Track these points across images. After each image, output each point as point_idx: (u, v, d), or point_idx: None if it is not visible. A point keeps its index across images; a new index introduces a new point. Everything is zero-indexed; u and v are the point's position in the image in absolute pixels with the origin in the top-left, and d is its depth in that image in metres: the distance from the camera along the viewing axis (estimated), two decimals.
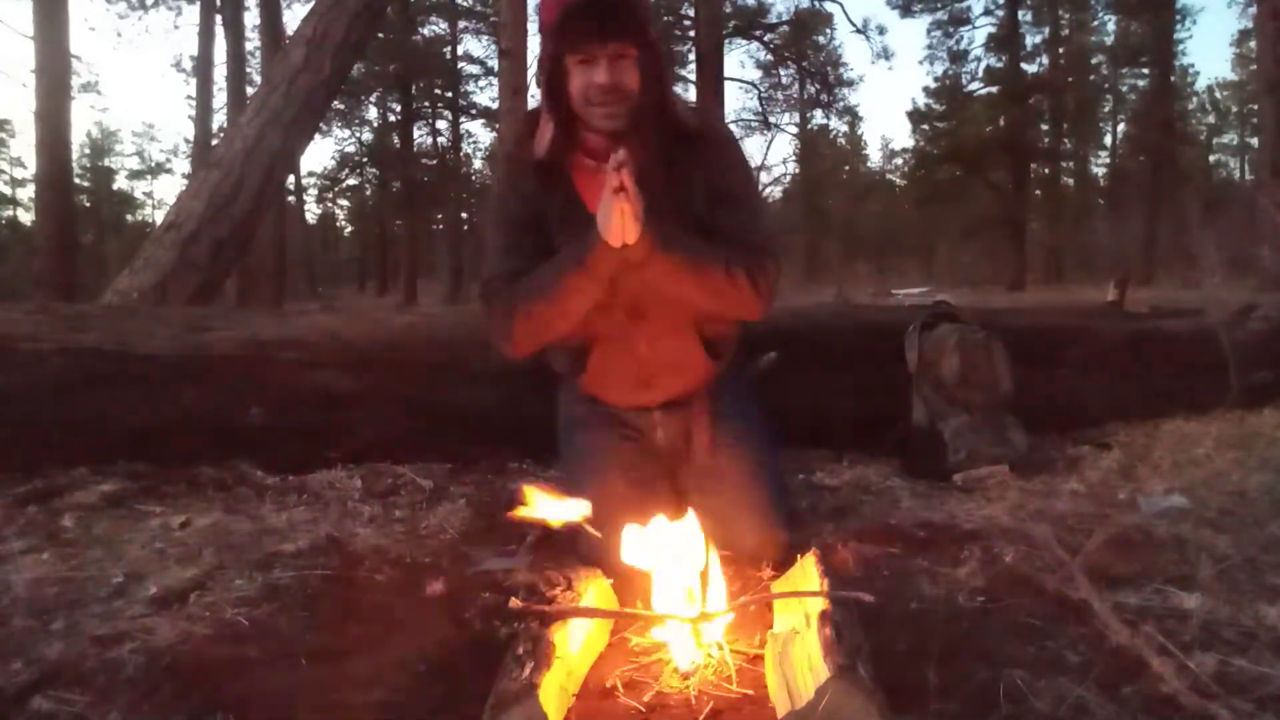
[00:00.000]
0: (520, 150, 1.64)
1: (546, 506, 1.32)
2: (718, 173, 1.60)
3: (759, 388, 1.96)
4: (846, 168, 37.22)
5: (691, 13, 14.47)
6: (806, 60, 23.37)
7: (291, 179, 18.74)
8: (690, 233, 1.54)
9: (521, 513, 1.31)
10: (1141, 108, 24.49)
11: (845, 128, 32.63)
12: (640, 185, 1.38)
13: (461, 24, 23.48)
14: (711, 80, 15.38)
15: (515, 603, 1.26)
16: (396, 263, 28.52)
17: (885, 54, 22.55)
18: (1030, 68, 23.70)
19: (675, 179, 1.56)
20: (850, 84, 24.26)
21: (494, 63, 18.87)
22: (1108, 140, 30.32)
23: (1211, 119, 31.12)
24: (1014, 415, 2.45)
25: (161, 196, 37.11)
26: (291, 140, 4.82)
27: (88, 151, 33.08)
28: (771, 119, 25.84)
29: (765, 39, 22.50)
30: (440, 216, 28.01)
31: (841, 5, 26.35)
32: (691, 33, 14.24)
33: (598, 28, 1.45)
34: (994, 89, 23.43)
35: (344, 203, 35.17)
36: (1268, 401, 2.77)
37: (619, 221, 1.35)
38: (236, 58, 15.77)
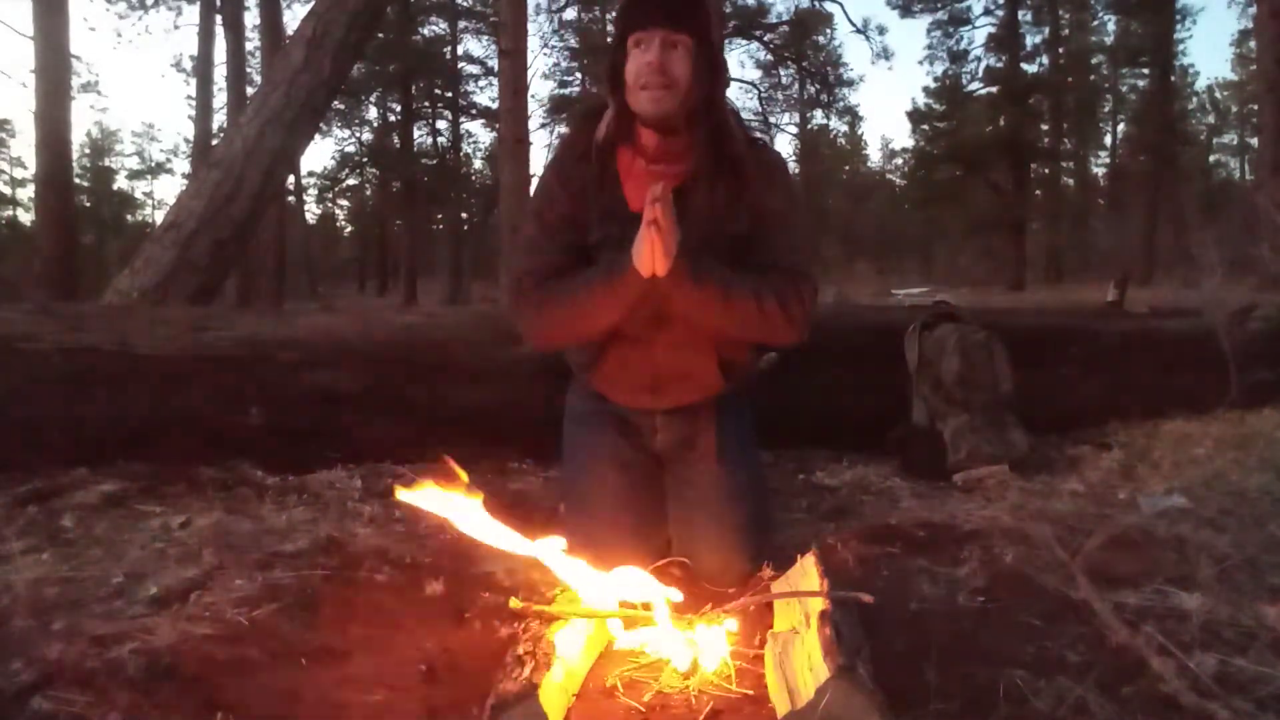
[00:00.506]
0: (578, 137, 1.64)
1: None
2: (763, 195, 1.60)
3: (758, 390, 1.96)
4: (846, 168, 37.23)
5: None
6: (806, 60, 23.37)
7: (291, 179, 18.72)
8: (728, 249, 1.54)
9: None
10: (1141, 108, 24.48)
11: (845, 128, 32.68)
12: (684, 195, 1.43)
13: (461, 24, 23.47)
14: None
15: (515, 603, 1.26)
16: (396, 263, 28.50)
17: (885, 54, 22.51)
18: (1030, 68, 23.72)
19: (720, 193, 1.56)
20: (850, 84, 24.27)
21: (494, 63, 18.86)
22: (1108, 140, 30.37)
23: (1211, 119, 31.15)
24: (1014, 415, 2.45)
25: (161, 196, 37.06)
26: (291, 140, 4.81)
27: (88, 151, 33.05)
28: (771, 119, 25.86)
29: (765, 39, 22.51)
30: (440, 216, 27.97)
31: (841, 5, 26.35)
32: None
33: (656, 10, 1.48)
34: (994, 89, 23.42)
35: (344, 203, 35.16)
36: (1268, 401, 2.77)
37: (649, 254, 1.37)
38: (236, 58, 15.76)
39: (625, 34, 1.52)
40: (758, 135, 1.70)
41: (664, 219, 1.34)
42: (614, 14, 1.66)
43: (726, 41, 19.08)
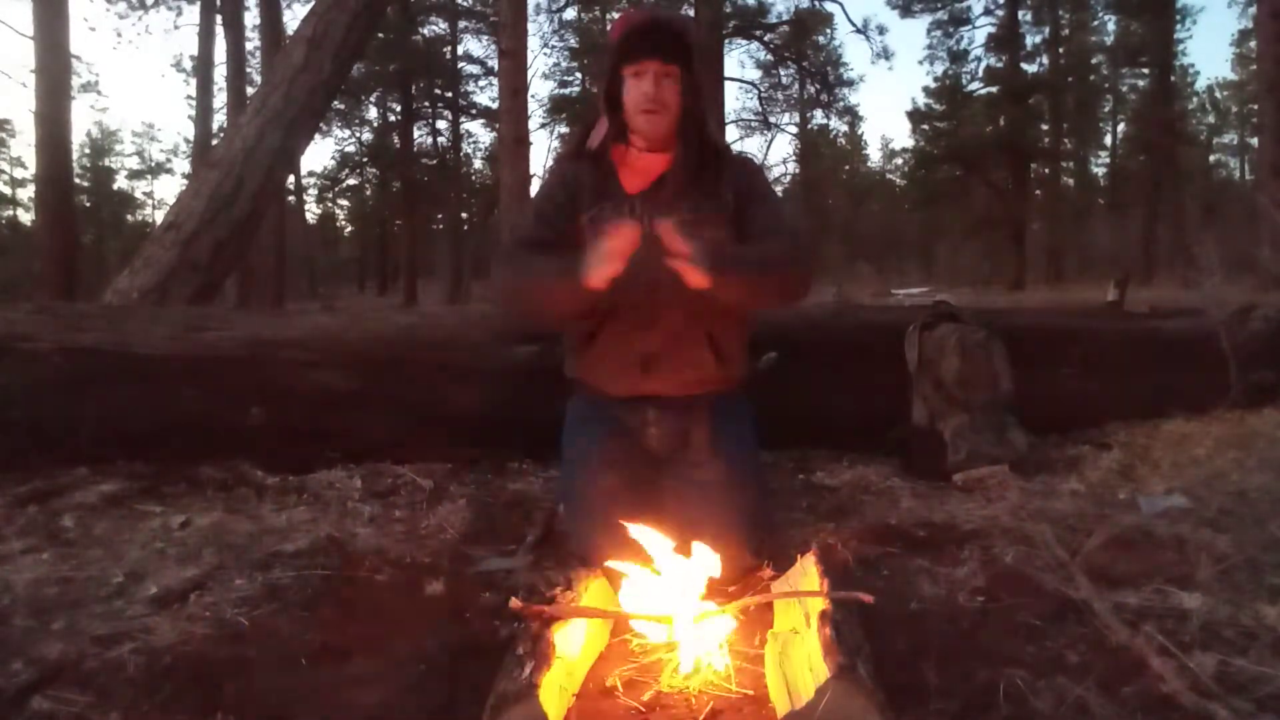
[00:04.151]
0: (574, 143, 1.90)
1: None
2: (743, 179, 1.83)
3: (758, 390, 1.96)
4: (846, 168, 37.22)
5: (691, 13, 14.47)
6: (806, 60, 23.34)
7: (291, 179, 18.69)
8: (713, 220, 1.73)
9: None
10: (1141, 108, 24.47)
11: (845, 128, 32.56)
12: (679, 184, 1.73)
13: (461, 24, 23.43)
14: (712, 80, 15.38)
15: (515, 603, 1.26)
16: (396, 263, 28.48)
17: (885, 54, 22.29)
18: (1030, 68, 23.69)
19: (707, 181, 1.78)
20: (850, 84, 24.11)
21: (494, 63, 18.84)
22: (1108, 140, 30.34)
23: (1211, 119, 31.14)
24: (1014, 415, 2.45)
25: (161, 196, 37.01)
26: (291, 140, 4.81)
27: (88, 151, 33.02)
28: (771, 119, 25.81)
29: (765, 39, 22.47)
30: (440, 216, 27.94)
31: (841, 5, 26.35)
32: None
33: (651, 47, 1.72)
34: (994, 89, 23.41)
35: (344, 203, 35.07)
36: (1268, 401, 2.76)
37: (683, 273, 1.48)
38: (236, 58, 15.72)
39: (620, 64, 1.74)
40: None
41: (677, 242, 1.46)
42: (609, 29, 1.91)
43: (726, 41, 19.09)
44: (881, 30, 35.10)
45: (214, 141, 14.50)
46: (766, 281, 1.64)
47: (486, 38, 22.69)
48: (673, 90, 1.73)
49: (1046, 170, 25.69)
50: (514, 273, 1.73)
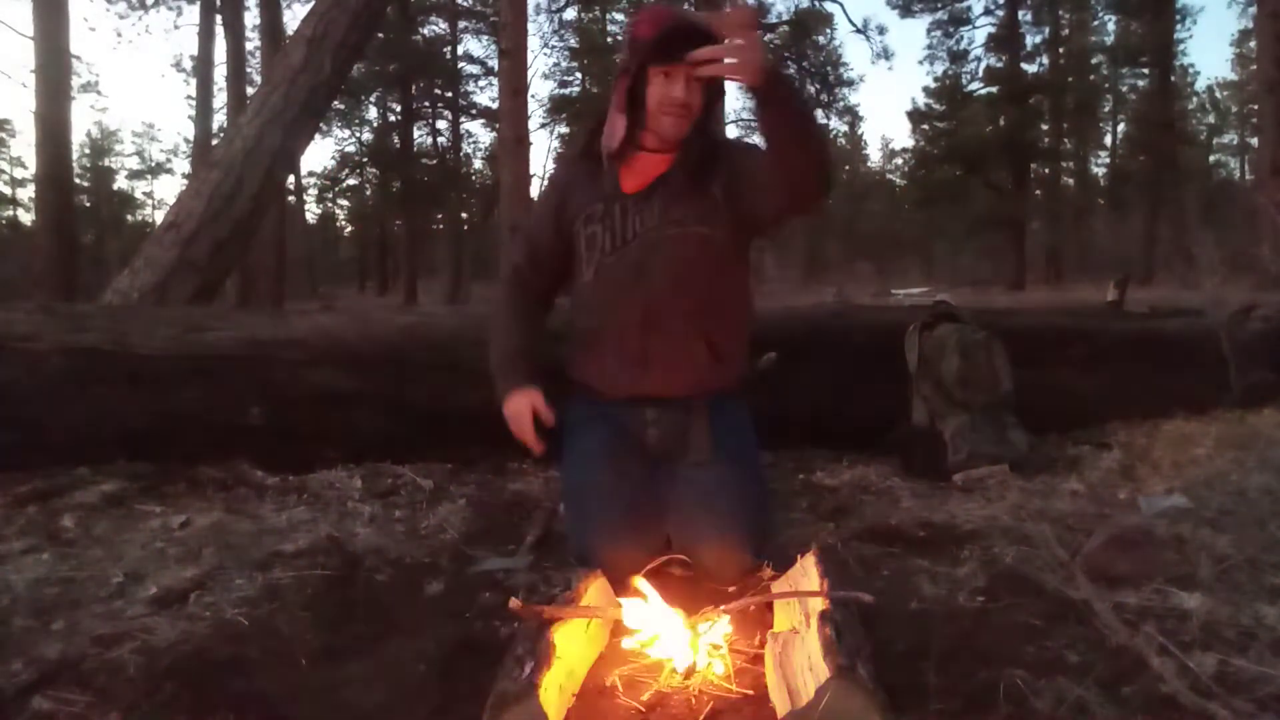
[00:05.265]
0: (586, 139, 1.91)
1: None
2: (735, 155, 1.82)
3: (757, 389, 1.96)
4: (846, 168, 37.23)
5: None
6: (806, 60, 23.33)
7: (291, 179, 18.69)
8: (713, 212, 1.76)
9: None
10: (1141, 108, 24.48)
11: (845, 128, 32.58)
12: (678, 187, 1.76)
13: (461, 24, 23.45)
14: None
15: (515, 603, 1.26)
16: (396, 263, 28.49)
17: (885, 54, 22.27)
18: (1030, 68, 23.69)
19: (703, 182, 1.78)
20: (850, 84, 24.09)
21: (494, 63, 18.86)
22: (1108, 140, 30.38)
23: (1211, 119, 31.14)
24: (1014, 415, 2.45)
25: (161, 196, 37.11)
26: (291, 140, 4.81)
27: (88, 151, 33.06)
28: None
29: (765, 39, 22.44)
30: (440, 216, 27.94)
31: (841, 5, 26.34)
32: None
33: (685, 49, 1.65)
34: (994, 89, 23.40)
35: (344, 203, 35.05)
36: (1268, 401, 2.76)
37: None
38: (236, 58, 15.72)
39: (650, 63, 1.73)
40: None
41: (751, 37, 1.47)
42: (625, 33, 1.95)
43: None
44: (881, 30, 35.16)
45: (214, 141, 14.50)
46: (811, 128, 1.59)
47: (486, 38, 22.72)
48: (697, 94, 1.75)
49: (1046, 170, 25.70)
50: (493, 313, 1.97)
